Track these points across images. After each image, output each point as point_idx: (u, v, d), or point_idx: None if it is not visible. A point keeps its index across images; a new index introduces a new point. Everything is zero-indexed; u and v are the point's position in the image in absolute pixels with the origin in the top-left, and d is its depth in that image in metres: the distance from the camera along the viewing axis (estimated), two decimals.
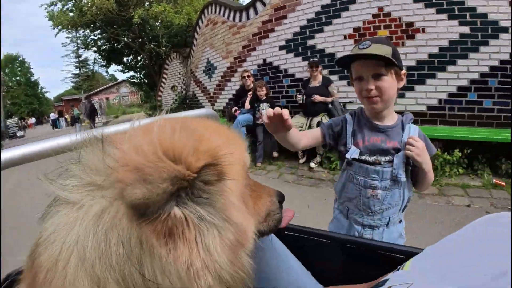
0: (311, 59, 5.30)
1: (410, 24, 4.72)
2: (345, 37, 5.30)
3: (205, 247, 0.36)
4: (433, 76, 4.60)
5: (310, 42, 5.77)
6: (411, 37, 4.73)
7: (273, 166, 5.34)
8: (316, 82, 5.19)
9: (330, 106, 4.89)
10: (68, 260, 0.33)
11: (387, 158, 1.26)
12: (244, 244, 0.43)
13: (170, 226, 0.34)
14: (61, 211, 0.37)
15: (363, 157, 1.28)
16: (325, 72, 5.35)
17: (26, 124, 38.78)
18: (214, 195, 0.38)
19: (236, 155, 0.47)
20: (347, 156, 1.31)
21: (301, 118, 5.21)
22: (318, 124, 4.27)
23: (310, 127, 4.87)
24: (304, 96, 5.13)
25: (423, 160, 1.20)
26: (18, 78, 54.66)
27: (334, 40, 5.43)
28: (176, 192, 0.35)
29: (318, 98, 4.95)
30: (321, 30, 5.57)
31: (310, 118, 5.04)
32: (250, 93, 5.81)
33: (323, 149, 1.60)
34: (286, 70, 6.30)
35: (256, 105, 5.45)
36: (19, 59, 55.61)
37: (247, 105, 5.85)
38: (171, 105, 12.89)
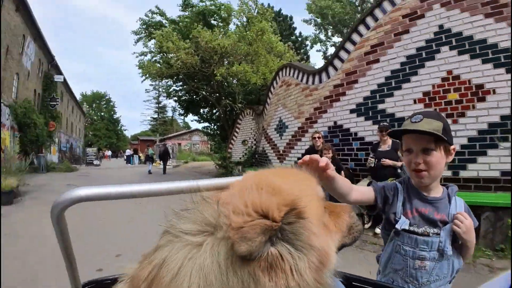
0: (381, 123, 5.63)
1: (480, 86, 4.88)
2: (414, 101, 5.64)
3: (298, 271, 0.48)
4: (506, 139, 4.59)
5: (380, 106, 6.21)
6: (482, 99, 4.86)
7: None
8: (385, 146, 5.45)
9: (399, 170, 5.10)
10: (193, 284, 0.45)
11: (435, 230, 1.31)
12: (326, 264, 0.54)
13: (270, 262, 0.47)
14: (183, 248, 0.49)
15: (412, 228, 1.33)
16: None
17: (103, 155, 43.83)
18: (298, 231, 0.50)
19: (309, 193, 0.61)
20: (397, 226, 1.35)
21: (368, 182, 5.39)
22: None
23: None
24: (376, 160, 5.39)
25: (469, 238, 1.27)
26: (102, 113, 64.90)
27: (404, 104, 5.79)
28: (269, 238, 0.47)
29: (387, 162, 5.20)
30: (391, 95, 6.00)
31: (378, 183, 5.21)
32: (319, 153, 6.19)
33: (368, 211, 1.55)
34: (356, 133, 6.73)
35: None
36: (106, 97, 66.38)
37: None
38: (240, 158, 14.10)
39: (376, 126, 5.93)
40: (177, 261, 0.47)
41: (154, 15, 18.38)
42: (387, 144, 5.42)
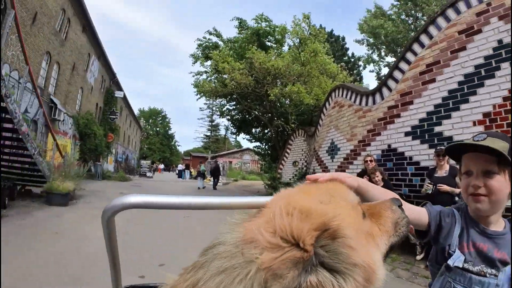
0: (438, 147, 5.40)
1: None
2: (474, 123, 5.32)
3: None
4: None
5: (437, 129, 5.93)
6: None
7: (386, 259, 5.31)
8: (442, 172, 5.20)
9: (457, 198, 4.82)
10: None
11: (493, 271, 1.13)
12: (373, 281, 0.52)
13: None
14: (218, 275, 0.47)
15: (466, 265, 1.16)
16: (452, 161, 5.32)
17: (156, 168, 46.41)
18: (336, 251, 0.48)
19: (342, 205, 0.57)
20: (450, 262, 1.18)
21: None
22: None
23: None
24: (434, 186, 5.13)
25: None
26: (158, 129, 70.19)
27: (463, 126, 5.48)
28: (304, 268, 0.45)
29: (445, 187, 4.94)
30: (449, 116, 5.72)
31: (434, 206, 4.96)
32: (366, 176, 5.96)
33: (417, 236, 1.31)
34: (411, 158, 6.46)
35: None
36: (162, 114, 71.96)
37: None
38: (290, 179, 14.17)
39: (432, 150, 5.69)
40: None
41: (211, 36, 19.54)
42: (444, 169, 5.17)
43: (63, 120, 17.11)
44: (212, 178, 21.86)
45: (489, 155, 1.11)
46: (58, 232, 6.09)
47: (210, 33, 19.57)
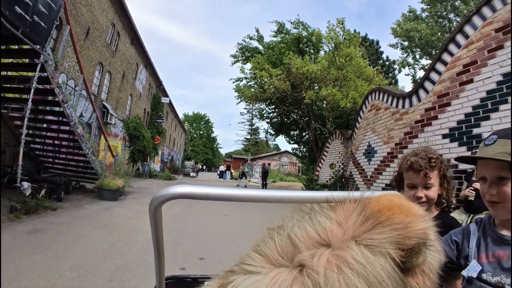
0: (474, 150, 5.19)
1: None
2: None
3: (433, 271, 0.57)
4: None
5: (475, 131, 5.67)
6: None
7: None
8: None
9: None
10: None
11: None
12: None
13: (422, 268, 0.55)
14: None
15: (484, 276, 1.09)
16: None
17: (199, 169, 47.99)
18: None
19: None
20: (464, 273, 1.14)
21: (461, 215, 4.95)
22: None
23: None
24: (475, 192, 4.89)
25: None
26: (201, 132, 73.53)
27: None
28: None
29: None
30: (487, 118, 5.44)
31: (471, 215, 4.77)
32: None
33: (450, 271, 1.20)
34: (448, 160, 6.14)
35: None
36: (205, 118, 75.23)
37: None
38: (326, 181, 14.05)
39: (471, 153, 5.43)
40: None
41: (251, 41, 19.85)
42: None
43: (114, 123, 18.31)
44: (261, 179, 24.40)
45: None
46: (108, 224, 6.59)
47: (251, 38, 19.73)
